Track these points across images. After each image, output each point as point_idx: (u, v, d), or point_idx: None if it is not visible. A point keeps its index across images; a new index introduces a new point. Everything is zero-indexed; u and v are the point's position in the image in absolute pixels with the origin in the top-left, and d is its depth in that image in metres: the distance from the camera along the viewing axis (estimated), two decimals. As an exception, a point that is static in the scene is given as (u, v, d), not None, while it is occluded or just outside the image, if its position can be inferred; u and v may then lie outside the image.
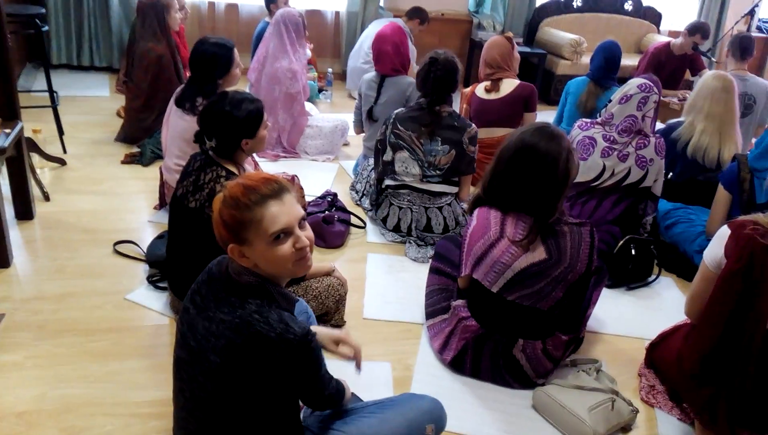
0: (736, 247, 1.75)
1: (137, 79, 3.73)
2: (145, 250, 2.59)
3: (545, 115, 4.52)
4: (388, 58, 3.44)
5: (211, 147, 2.03)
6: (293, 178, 2.83)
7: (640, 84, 2.68)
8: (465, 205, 2.93)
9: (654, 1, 6.41)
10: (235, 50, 2.71)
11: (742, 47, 3.94)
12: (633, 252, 2.71)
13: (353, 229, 3.03)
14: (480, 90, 3.46)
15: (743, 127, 3.75)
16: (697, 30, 4.65)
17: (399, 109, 3.00)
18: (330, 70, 5.32)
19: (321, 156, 3.91)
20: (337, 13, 5.79)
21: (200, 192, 2.00)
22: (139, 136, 3.71)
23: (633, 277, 2.75)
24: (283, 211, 1.28)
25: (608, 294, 2.65)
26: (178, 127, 2.71)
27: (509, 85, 3.40)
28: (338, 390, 1.45)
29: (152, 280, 2.43)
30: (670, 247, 2.96)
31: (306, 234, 1.33)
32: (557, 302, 1.96)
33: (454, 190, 2.95)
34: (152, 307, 2.30)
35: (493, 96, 3.40)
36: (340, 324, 2.28)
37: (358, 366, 1.61)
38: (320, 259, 2.67)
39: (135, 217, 2.96)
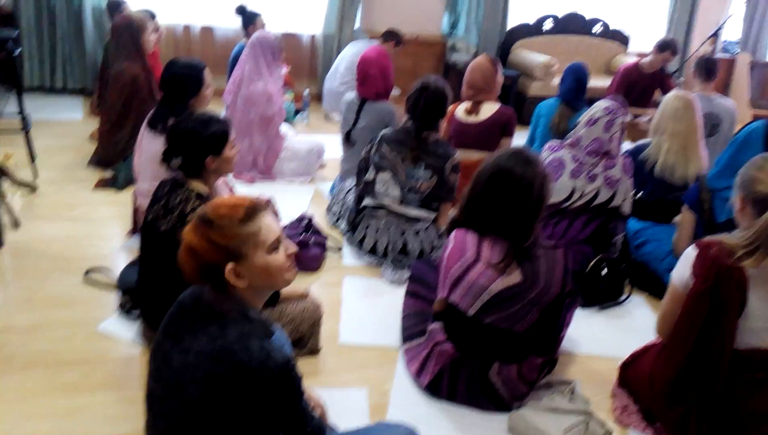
0: (703, 268, 1.79)
1: (111, 101, 3.68)
2: (117, 277, 2.55)
3: (518, 136, 4.57)
4: (374, 81, 3.45)
5: (178, 165, 2.03)
6: (268, 201, 2.82)
7: (606, 106, 2.75)
8: (443, 228, 2.94)
9: (621, 24, 6.59)
10: (206, 71, 2.71)
11: (707, 69, 4.06)
12: (604, 271, 2.75)
13: (329, 252, 3.02)
14: (460, 111, 3.46)
15: (709, 146, 3.83)
16: (667, 46, 4.76)
17: (386, 130, 3.02)
18: (307, 91, 5.34)
19: (297, 178, 3.91)
20: (313, 37, 5.84)
21: (170, 214, 2.00)
22: (112, 160, 3.66)
23: (605, 297, 2.79)
24: (273, 221, 1.36)
25: (580, 314, 2.65)
26: (150, 150, 2.69)
27: (489, 109, 3.39)
28: (321, 428, 1.44)
29: (124, 309, 2.39)
30: (640, 266, 3.01)
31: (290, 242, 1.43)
32: (532, 325, 1.98)
33: (432, 215, 2.95)
34: (123, 338, 2.26)
35: (472, 119, 3.39)
36: (315, 349, 2.27)
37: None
38: (296, 283, 2.65)
39: (107, 244, 2.92)
